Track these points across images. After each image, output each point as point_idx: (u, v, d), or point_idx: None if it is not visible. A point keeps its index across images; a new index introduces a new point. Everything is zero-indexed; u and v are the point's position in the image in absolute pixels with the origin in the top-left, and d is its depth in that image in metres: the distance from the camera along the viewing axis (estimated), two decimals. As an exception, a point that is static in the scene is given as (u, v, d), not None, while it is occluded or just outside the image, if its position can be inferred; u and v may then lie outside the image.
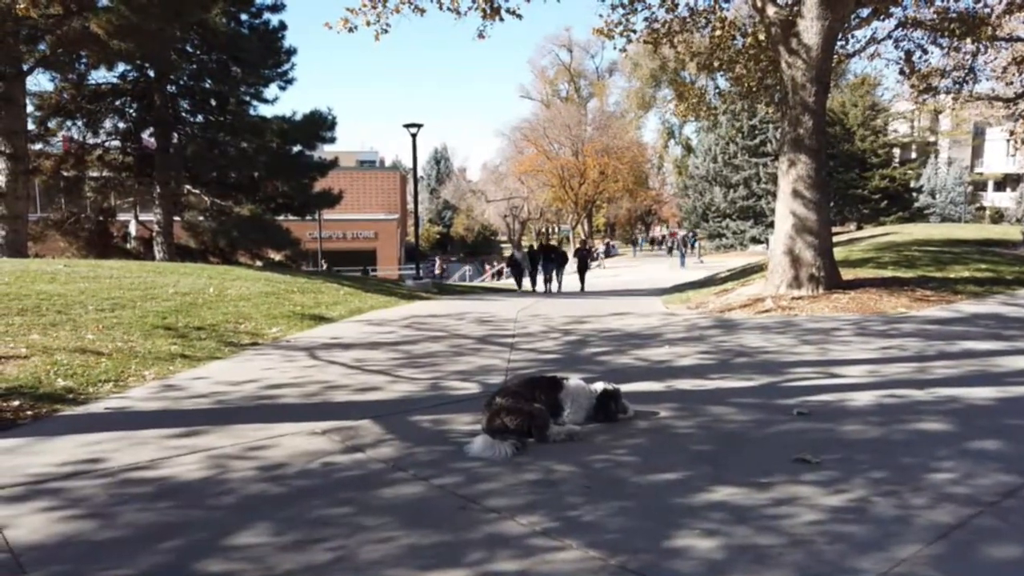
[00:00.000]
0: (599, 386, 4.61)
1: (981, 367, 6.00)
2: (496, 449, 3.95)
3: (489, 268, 50.73)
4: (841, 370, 5.99)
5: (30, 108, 18.45)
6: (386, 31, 11.06)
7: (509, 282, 37.17)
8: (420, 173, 76.55)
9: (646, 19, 13.31)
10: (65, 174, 19.97)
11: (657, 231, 74.41)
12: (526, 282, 23.69)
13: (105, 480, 3.60)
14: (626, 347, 7.37)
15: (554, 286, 22.28)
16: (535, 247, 24.46)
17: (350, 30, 10.82)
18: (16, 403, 4.85)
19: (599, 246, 60.14)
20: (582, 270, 24.28)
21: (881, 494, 3.30)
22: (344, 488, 3.51)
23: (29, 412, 4.74)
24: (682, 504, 3.26)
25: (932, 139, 59.56)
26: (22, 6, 12.01)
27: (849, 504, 3.20)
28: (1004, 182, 59.44)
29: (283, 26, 21.13)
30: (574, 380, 4.57)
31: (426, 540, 2.93)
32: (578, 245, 26.83)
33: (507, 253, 58.52)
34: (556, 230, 70.63)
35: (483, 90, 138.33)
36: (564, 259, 23.41)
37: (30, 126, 18.43)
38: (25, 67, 16.84)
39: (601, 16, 14.55)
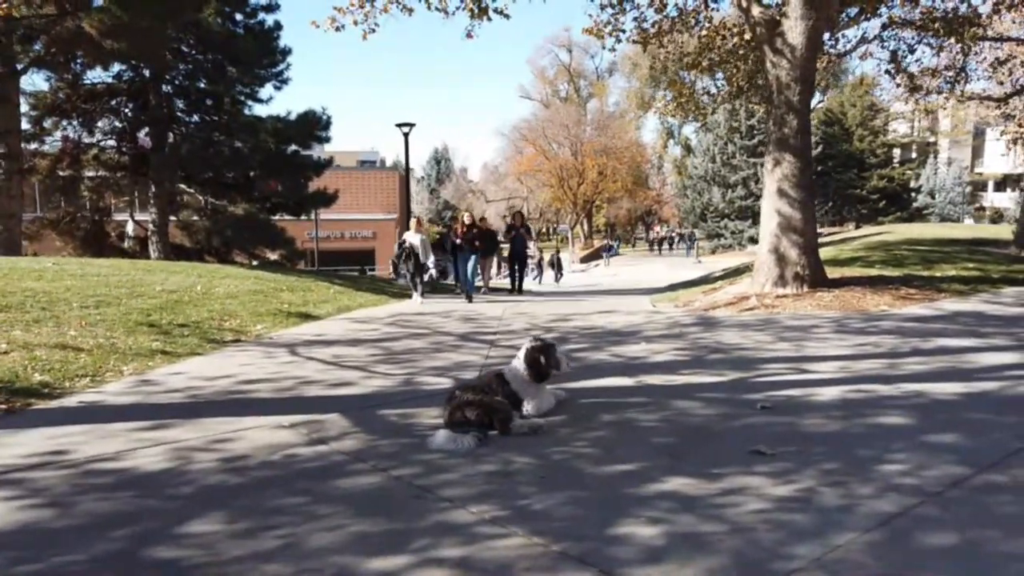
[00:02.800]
0: (523, 353, 4.63)
1: (952, 363, 6.04)
2: (458, 442, 4.00)
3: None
4: (812, 366, 6.04)
5: (25, 107, 18.51)
6: (374, 31, 11.12)
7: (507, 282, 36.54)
8: (420, 173, 76.69)
9: (635, 19, 13.37)
10: (61, 173, 20.01)
11: (658, 230, 73.57)
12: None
13: (68, 471, 3.66)
14: (604, 344, 7.42)
15: (480, 280, 15.78)
16: (454, 228, 15.91)
17: (337, 29, 10.89)
18: (-10, 397, 4.91)
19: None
20: (516, 261, 16.18)
21: (829, 484, 3.35)
22: (302, 479, 3.57)
23: (3, 406, 4.80)
24: (633, 494, 3.31)
25: (932, 139, 59.48)
26: (4, 6, 12.06)
27: (796, 494, 3.26)
28: (1004, 182, 59.37)
29: (278, 26, 21.16)
30: (520, 368, 4.60)
31: (375, 528, 2.99)
32: (510, 221, 17.34)
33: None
34: (555, 230, 70.61)
35: (485, 90, 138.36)
36: (496, 247, 16.43)
37: (25, 125, 18.50)
38: (20, 66, 16.90)
39: (591, 16, 14.58)
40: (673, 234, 62.51)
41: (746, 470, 3.57)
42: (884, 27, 13.33)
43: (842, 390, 5.14)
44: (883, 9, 12.89)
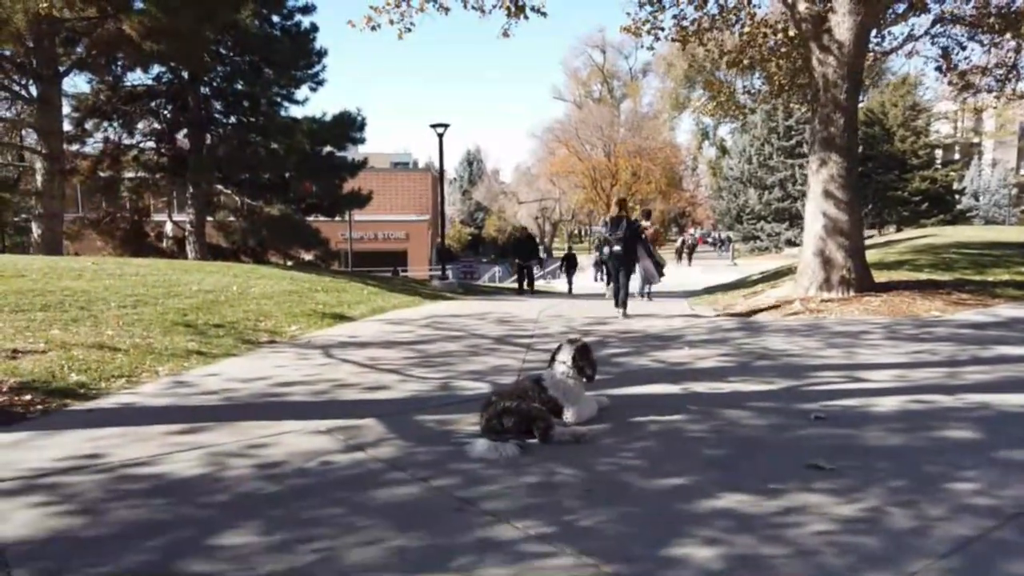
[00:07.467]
0: (565, 356, 4.43)
1: (1016, 373, 5.74)
2: (499, 451, 3.84)
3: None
4: (866, 374, 5.77)
5: (67, 109, 18.85)
6: (410, 30, 11.03)
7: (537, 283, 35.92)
8: (453, 175, 76.82)
9: (674, 17, 13.09)
10: (102, 174, 20.32)
11: (691, 232, 72.17)
12: None
13: (102, 476, 3.58)
14: (645, 348, 7.22)
15: None
16: None
17: (373, 28, 10.81)
18: (27, 397, 4.87)
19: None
20: None
21: (897, 504, 3.13)
22: (340, 488, 3.44)
23: (39, 406, 4.76)
24: (686, 511, 3.12)
25: (976, 140, 58.04)
26: (44, 5, 12.20)
27: (862, 514, 3.04)
28: (1052, 184, 57.58)
29: (314, 28, 21.29)
30: (558, 373, 4.42)
31: (416, 543, 2.84)
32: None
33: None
34: (588, 231, 70.12)
35: (519, 92, 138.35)
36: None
37: (67, 127, 18.82)
38: (62, 69, 17.19)
39: (628, 14, 14.35)
40: (691, 238, 52.97)
41: (805, 486, 3.36)
42: (934, 23, 12.90)
43: (901, 400, 4.88)
44: (933, 5, 12.48)
